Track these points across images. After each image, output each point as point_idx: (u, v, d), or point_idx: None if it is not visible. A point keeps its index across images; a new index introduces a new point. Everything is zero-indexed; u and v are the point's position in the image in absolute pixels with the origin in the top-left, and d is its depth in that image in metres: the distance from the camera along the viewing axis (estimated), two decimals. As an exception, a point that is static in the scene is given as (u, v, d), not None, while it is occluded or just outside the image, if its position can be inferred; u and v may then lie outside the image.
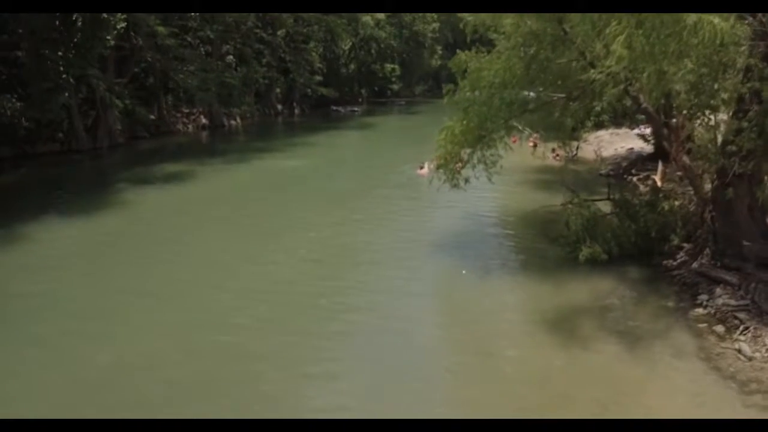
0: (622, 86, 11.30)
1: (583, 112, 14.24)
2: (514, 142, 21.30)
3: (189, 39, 36.03)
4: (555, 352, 8.57)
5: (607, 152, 26.22)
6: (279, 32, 47.13)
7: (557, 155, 25.82)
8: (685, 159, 11.20)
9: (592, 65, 11.60)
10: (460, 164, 14.09)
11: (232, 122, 42.32)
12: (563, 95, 13.01)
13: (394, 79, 69.89)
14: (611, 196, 14.35)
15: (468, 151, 13.66)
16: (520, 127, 15.51)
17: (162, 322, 9.78)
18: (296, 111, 52.41)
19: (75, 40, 21.17)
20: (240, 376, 8.08)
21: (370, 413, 6.94)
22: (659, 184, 14.86)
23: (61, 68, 21.52)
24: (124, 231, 15.48)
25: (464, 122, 13.32)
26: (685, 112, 12.97)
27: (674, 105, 12.41)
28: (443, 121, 13.52)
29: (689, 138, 11.40)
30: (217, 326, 9.59)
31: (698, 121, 10.71)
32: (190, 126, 39.01)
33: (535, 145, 25.63)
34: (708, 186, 11.18)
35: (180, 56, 32.77)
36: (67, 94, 24.12)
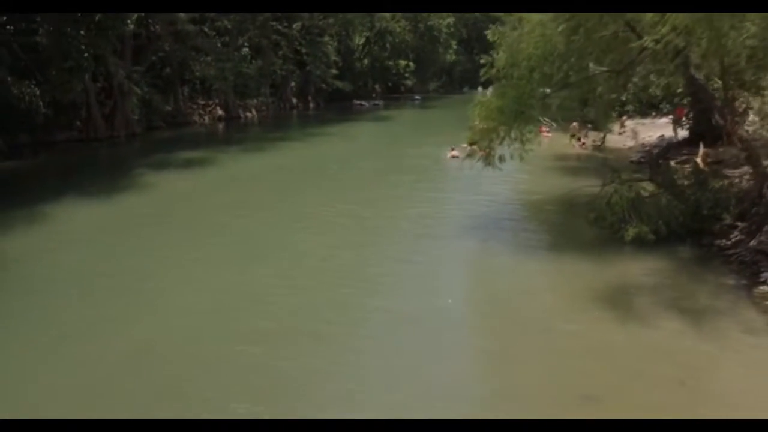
0: (676, 59, 10.76)
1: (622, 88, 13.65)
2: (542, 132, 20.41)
3: (206, 29, 35.67)
4: (615, 328, 8.03)
5: (633, 141, 25.60)
6: (295, 25, 46.75)
7: (583, 143, 25.33)
8: (743, 133, 10.59)
9: (640, 37, 11.04)
10: (495, 141, 13.58)
11: (248, 114, 42.06)
12: (607, 69, 12.42)
13: (407, 75, 69.29)
14: (654, 177, 13.76)
15: (503, 128, 13.14)
16: (542, 119, 14.87)
17: (190, 307, 9.23)
18: (311, 105, 52.02)
19: (96, 18, 20.89)
20: (285, 362, 7.55)
21: (434, 396, 6.45)
22: (701, 166, 14.23)
23: (83, 47, 21.18)
24: (145, 213, 15.05)
25: (501, 97, 12.81)
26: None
27: (730, 77, 11.78)
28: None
29: (746, 111, 10.79)
30: (249, 311, 9.02)
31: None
32: (206, 117, 38.72)
33: (572, 135, 25.32)
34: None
35: (197, 45, 32.42)
36: (87, 76, 23.75)
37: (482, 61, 13.38)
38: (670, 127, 24.30)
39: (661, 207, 12.18)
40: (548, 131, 26.29)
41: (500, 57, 12.75)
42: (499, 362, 7.36)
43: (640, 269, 10.41)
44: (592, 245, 12.35)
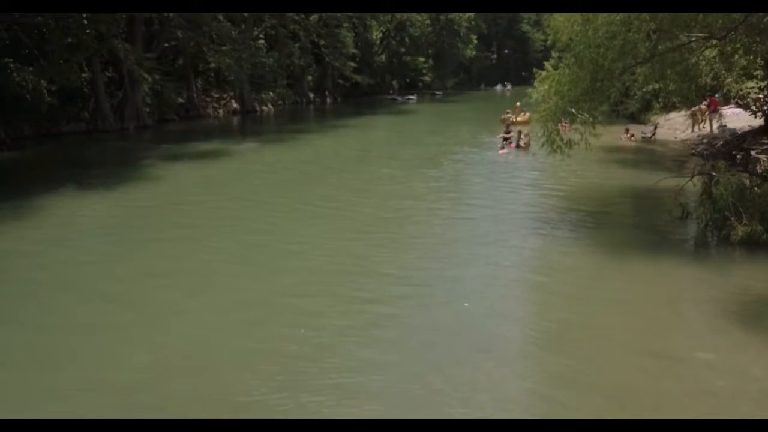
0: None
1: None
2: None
3: (220, 17, 33.87)
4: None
5: (685, 134, 23.46)
6: (312, 17, 44.90)
7: (631, 135, 23.24)
8: None
9: None
10: (565, 123, 11.58)
11: (264, 108, 40.31)
12: (707, 36, 10.36)
13: (425, 71, 67.25)
14: (750, 167, 11.69)
15: (574, 106, 11.15)
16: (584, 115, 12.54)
17: (209, 311, 7.41)
18: (329, 100, 50.19)
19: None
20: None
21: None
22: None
23: (85, 22, 19.32)
24: (153, 206, 13.12)
25: (574, 70, 10.81)
26: None
27: None
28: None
29: None
30: (283, 318, 7.19)
31: None
32: (220, 110, 36.96)
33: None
34: None
35: (212, 32, 30.54)
36: (96, 62, 21.74)
37: (548, 27, 11.45)
38: (723, 118, 22.24)
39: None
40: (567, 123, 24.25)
41: (574, 21, 10.75)
42: (636, 400, 5.32)
43: (765, 277, 8.33)
44: (689, 245, 10.31)
